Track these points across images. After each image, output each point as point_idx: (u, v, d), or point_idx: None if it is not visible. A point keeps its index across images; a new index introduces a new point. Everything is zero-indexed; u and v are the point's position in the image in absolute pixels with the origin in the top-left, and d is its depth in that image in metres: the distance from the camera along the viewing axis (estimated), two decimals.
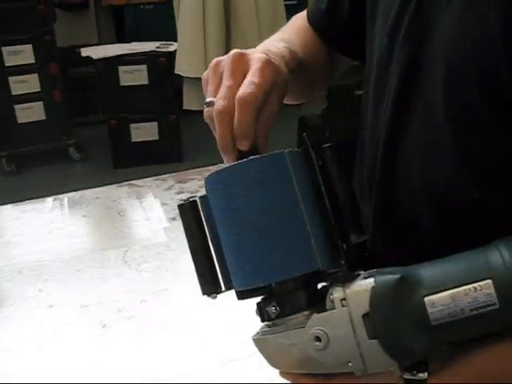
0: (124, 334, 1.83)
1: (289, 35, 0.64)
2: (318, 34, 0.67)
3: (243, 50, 0.50)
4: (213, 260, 0.47)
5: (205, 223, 0.47)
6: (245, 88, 0.46)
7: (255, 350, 0.47)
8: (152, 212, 2.58)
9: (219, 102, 0.47)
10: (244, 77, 0.47)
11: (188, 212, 0.47)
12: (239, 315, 1.14)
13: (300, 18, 0.69)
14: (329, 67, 0.69)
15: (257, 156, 0.44)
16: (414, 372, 0.43)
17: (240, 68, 0.48)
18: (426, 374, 0.43)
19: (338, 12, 0.64)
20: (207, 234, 0.47)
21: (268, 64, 0.48)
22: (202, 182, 0.47)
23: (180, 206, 0.48)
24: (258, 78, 0.47)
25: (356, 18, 0.61)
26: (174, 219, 2.45)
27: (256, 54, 0.49)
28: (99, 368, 1.67)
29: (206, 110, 0.49)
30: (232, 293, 0.47)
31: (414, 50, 0.50)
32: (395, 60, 0.52)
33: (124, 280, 2.09)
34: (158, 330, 1.83)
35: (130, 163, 2.98)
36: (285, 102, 0.67)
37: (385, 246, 0.54)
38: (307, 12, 0.69)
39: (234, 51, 0.50)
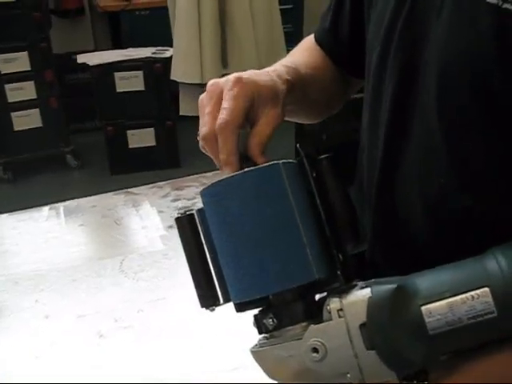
0: (121, 343, 1.81)
1: (295, 55, 0.65)
2: (326, 53, 0.66)
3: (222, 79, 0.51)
4: (211, 273, 0.47)
5: (202, 236, 0.47)
6: (219, 117, 0.47)
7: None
8: (149, 220, 2.57)
9: (202, 129, 0.49)
10: (221, 98, 0.48)
11: (185, 225, 0.47)
12: (238, 324, 1.14)
13: (310, 39, 0.69)
14: (340, 87, 0.68)
15: (251, 168, 0.44)
16: (414, 381, 0.43)
17: (214, 94, 0.49)
18: (426, 383, 0.43)
19: (339, 31, 0.64)
20: (205, 247, 0.47)
21: (237, 82, 0.48)
22: (199, 189, 0.47)
23: (177, 219, 0.47)
24: (228, 102, 0.47)
25: (357, 36, 0.61)
26: (170, 227, 2.44)
27: (228, 76, 0.50)
28: (97, 378, 1.65)
29: (200, 143, 0.50)
30: (230, 302, 0.47)
31: (409, 55, 0.49)
32: (390, 67, 0.51)
33: (121, 289, 2.08)
34: (156, 339, 1.82)
35: (128, 169, 2.97)
36: (295, 121, 0.67)
37: (384, 257, 0.54)
38: (315, 32, 0.69)
39: (211, 81, 0.51)
